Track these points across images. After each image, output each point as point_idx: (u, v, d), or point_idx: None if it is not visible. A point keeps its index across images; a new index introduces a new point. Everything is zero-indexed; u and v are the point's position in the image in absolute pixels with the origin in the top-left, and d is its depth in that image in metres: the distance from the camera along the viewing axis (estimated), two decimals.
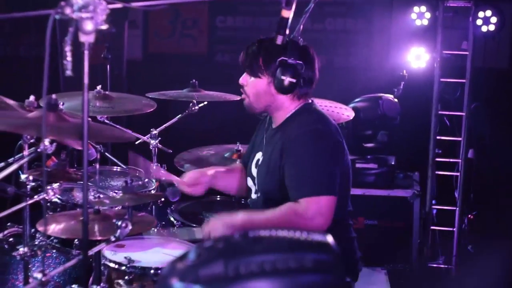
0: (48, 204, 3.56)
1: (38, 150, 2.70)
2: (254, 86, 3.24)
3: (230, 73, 7.92)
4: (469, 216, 5.51)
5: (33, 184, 3.31)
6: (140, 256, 3.29)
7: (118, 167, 4.09)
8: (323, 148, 3.11)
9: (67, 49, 2.26)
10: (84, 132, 2.28)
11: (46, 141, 2.75)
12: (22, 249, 3.33)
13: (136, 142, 4.34)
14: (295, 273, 1.63)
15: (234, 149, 4.34)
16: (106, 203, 3.25)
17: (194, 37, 8.67)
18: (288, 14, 2.73)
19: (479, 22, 5.23)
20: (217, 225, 3.14)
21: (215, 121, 6.24)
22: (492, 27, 5.20)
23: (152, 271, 3.27)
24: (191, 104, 4.51)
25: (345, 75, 6.74)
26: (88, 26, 2.22)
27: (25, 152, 3.26)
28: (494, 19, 5.17)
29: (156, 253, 3.50)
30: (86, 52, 2.27)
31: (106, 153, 4.34)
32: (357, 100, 4.99)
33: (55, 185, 2.97)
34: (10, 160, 3.59)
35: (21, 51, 8.24)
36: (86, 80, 2.29)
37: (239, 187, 3.57)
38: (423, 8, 5.55)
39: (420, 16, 5.58)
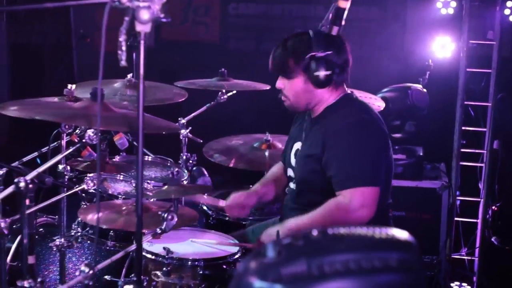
0: (83, 194, 3.51)
1: (83, 140, 2.65)
2: (291, 88, 3.20)
3: (242, 60, 7.90)
4: (493, 207, 5.45)
5: (70, 174, 3.27)
6: (175, 247, 3.27)
7: (149, 157, 4.04)
8: (367, 137, 3.08)
9: (122, 39, 2.22)
10: (140, 123, 2.23)
11: (90, 131, 2.71)
12: (58, 240, 3.29)
13: (164, 132, 4.29)
14: (380, 272, 1.58)
15: (264, 139, 4.30)
16: (150, 195, 3.20)
17: (207, 24, 8.63)
18: (345, 4, 2.68)
19: (507, 11, 5.17)
20: (271, 233, 3.14)
21: (243, 111, 6.20)
22: None
23: (189, 263, 3.24)
24: (219, 93, 4.46)
25: (368, 64, 6.68)
26: (145, 15, 2.17)
27: (63, 142, 3.22)
28: None
29: (191, 244, 3.47)
30: (142, 42, 2.22)
31: (134, 142, 4.29)
32: (385, 90, 4.93)
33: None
34: (44, 149, 3.56)
35: (33, 39, 8.19)
36: (142, 71, 2.24)
37: (281, 193, 3.57)
38: None
39: (445, 4, 5.51)
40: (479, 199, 5.41)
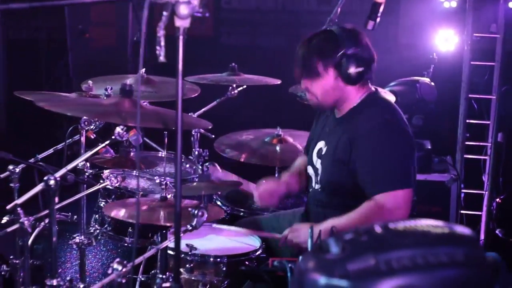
0: (101, 191, 3.47)
1: (113, 137, 2.62)
2: (320, 86, 3.16)
3: (236, 55, 7.88)
4: (497, 200, 5.47)
5: (91, 171, 3.24)
6: (197, 244, 3.24)
7: (162, 153, 4.01)
8: (395, 140, 3.07)
9: (160, 34, 2.19)
10: (179, 119, 2.21)
11: (119, 128, 2.68)
12: (78, 238, 3.26)
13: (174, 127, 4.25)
14: (447, 267, 1.58)
15: (275, 133, 4.27)
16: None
17: (200, 19, 8.56)
18: None
19: (511, 4, 5.17)
20: (302, 231, 3.10)
21: (253, 105, 6.18)
22: None
23: (211, 259, 3.23)
24: (230, 88, 4.43)
25: None
26: (184, 10, 2.15)
27: (83, 138, 3.18)
28: None
29: (212, 240, 3.46)
30: (181, 38, 2.20)
31: (145, 138, 4.27)
32: (392, 83, 4.91)
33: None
34: (60, 146, 3.52)
35: (28, 34, 8.12)
36: (180, 66, 2.22)
37: (306, 183, 3.54)
38: None
39: None
40: (483, 192, 5.43)
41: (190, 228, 2.67)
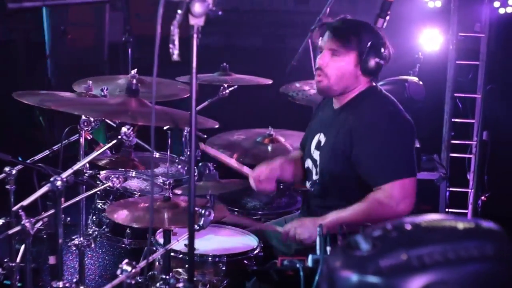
0: (99, 192, 3.45)
1: (119, 137, 2.60)
2: (339, 68, 3.13)
3: (213, 55, 7.87)
4: (483, 198, 5.52)
5: (91, 172, 3.22)
6: (195, 244, 3.21)
7: (157, 154, 3.99)
8: (400, 130, 3.09)
9: (175, 32, 2.18)
10: (193, 119, 2.20)
11: (125, 128, 2.66)
12: (78, 239, 3.24)
13: (165, 128, 4.24)
14: (478, 261, 1.59)
15: (266, 133, 4.27)
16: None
17: (175, 19, 8.53)
18: None
19: (496, 4, 5.23)
20: (306, 224, 3.09)
21: (244, 105, 6.17)
22: (510, 9, 5.21)
23: (210, 259, 3.22)
24: (221, 87, 4.43)
25: None
26: (199, 8, 2.14)
27: (81, 139, 3.16)
28: None
29: (210, 240, 3.45)
30: (195, 36, 2.20)
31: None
32: (380, 83, 4.91)
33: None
34: (56, 147, 3.49)
35: (5, 35, 8.06)
36: (194, 64, 2.21)
37: (301, 175, 3.51)
38: None
39: None
40: (468, 190, 5.48)
41: (198, 228, 2.66)
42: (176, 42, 2.17)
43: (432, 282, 1.55)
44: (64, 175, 2.50)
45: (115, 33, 7.96)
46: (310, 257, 2.30)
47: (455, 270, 1.58)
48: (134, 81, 2.67)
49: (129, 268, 2.47)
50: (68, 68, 7.24)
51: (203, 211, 2.65)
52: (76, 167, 2.57)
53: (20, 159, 3.51)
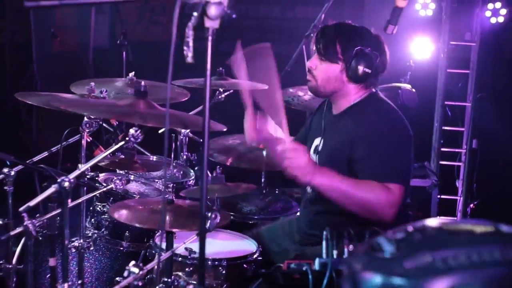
0: (98, 194, 3.43)
1: (127, 139, 2.59)
2: (325, 71, 3.17)
3: (199, 60, 7.86)
4: (471, 205, 5.58)
5: (92, 174, 3.20)
6: (195, 247, 3.21)
7: (154, 157, 3.99)
8: (398, 136, 3.09)
9: (189, 35, 2.19)
10: (206, 121, 2.20)
11: (132, 130, 2.66)
12: (77, 242, 3.22)
13: (160, 131, 4.23)
14: (501, 265, 1.60)
15: None
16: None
17: (163, 24, 8.52)
18: (404, 4, 2.69)
19: (487, 13, 5.29)
20: (301, 158, 2.90)
21: (241, 110, 6.14)
22: (501, 19, 5.26)
23: (209, 262, 3.21)
24: (217, 92, 4.43)
25: None
26: (215, 11, 2.15)
27: (83, 141, 3.15)
28: (503, 11, 5.23)
29: (209, 244, 3.43)
30: (210, 39, 2.20)
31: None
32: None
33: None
34: (54, 148, 3.48)
35: None
36: (208, 66, 2.21)
37: None
38: None
39: (424, 6, 5.61)
40: (457, 197, 5.54)
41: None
42: (191, 44, 2.17)
43: (457, 284, 1.57)
44: (72, 176, 2.49)
45: (101, 37, 7.96)
46: (317, 260, 2.31)
47: (479, 273, 1.59)
48: (143, 83, 2.66)
49: (136, 270, 2.46)
50: (53, 71, 7.21)
51: (208, 214, 2.65)
52: (84, 168, 2.56)
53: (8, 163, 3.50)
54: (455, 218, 5.47)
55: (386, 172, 2.99)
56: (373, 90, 3.25)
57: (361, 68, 3.08)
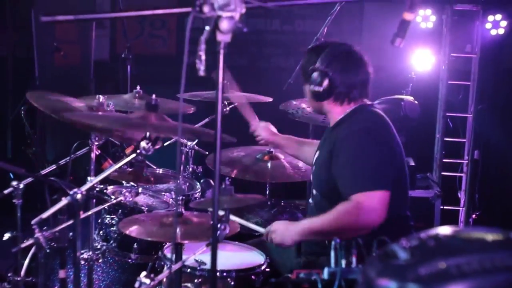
0: (107, 207, 3.46)
1: (138, 151, 2.62)
2: (307, 93, 3.32)
3: (199, 74, 7.90)
4: (473, 216, 5.61)
5: (101, 186, 3.23)
6: (204, 259, 3.23)
7: (161, 170, 4.02)
8: (368, 144, 3.10)
9: (201, 48, 2.22)
10: (218, 132, 2.24)
11: (143, 143, 2.68)
12: (87, 254, 3.24)
13: (166, 144, 4.26)
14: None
15: (266, 150, 4.31)
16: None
17: (163, 38, 8.57)
18: (411, 17, 2.70)
19: (488, 26, 5.33)
20: (280, 230, 3.16)
21: (245, 122, 6.18)
22: (501, 31, 5.31)
23: (218, 274, 3.23)
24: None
25: None
26: (227, 25, 2.18)
27: (92, 154, 3.18)
28: (504, 23, 5.28)
29: (217, 255, 3.45)
30: (221, 52, 2.23)
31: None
32: (376, 102, 5.00)
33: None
34: (62, 161, 3.51)
35: None
36: (220, 78, 2.25)
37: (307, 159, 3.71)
38: (428, 12, 5.62)
39: (425, 19, 5.65)
40: (460, 208, 5.57)
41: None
42: (203, 58, 2.20)
43: None
44: (84, 188, 2.52)
45: (101, 51, 8.00)
46: (325, 270, 2.34)
47: (492, 279, 1.62)
48: (154, 96, 2.69)
49: (148, 281, 2.49)
50: (55, 85, 7.23)
51: (218, 225, 2.67)
52: (96, 180, 2.59)
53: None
54: None
55: (358, 182, 3.03)
56: (365, 102, 3.27)
57: (314, 87, 3.18)
